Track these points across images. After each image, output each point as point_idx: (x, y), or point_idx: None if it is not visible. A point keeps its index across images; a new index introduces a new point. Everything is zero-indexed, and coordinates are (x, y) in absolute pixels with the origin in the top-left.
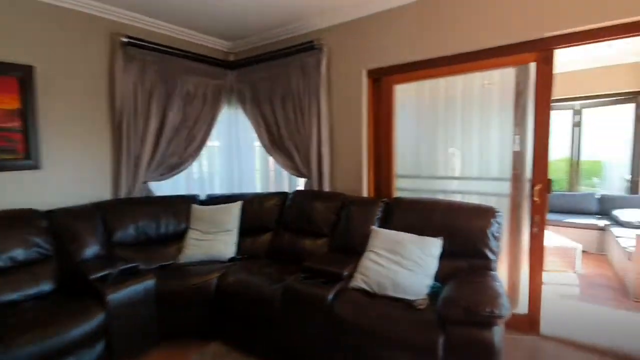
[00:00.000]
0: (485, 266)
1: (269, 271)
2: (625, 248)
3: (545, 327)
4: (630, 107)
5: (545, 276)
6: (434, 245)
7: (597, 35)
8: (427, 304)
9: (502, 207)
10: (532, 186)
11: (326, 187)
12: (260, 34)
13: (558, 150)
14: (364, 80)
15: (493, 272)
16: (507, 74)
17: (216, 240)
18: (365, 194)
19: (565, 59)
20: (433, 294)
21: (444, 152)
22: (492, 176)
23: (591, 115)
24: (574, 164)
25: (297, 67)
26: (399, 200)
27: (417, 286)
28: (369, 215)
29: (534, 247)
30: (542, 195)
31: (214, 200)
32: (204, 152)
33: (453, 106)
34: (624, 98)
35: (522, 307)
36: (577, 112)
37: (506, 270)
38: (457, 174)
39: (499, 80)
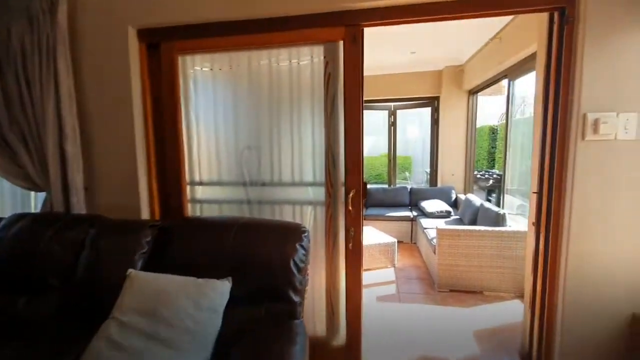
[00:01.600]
0: (287, 312)
1: None
2: (431, 240)
3: (365, 355)
4: (428, 110)
5: (367, 276)
6: (219, 293)
7: (404, 13)
8: None
9: (319, 217)
10: (347, 193)
11: (79, 206)
12: None
13: (383, 147)
14: (133, 44)
15: (297, 322)
16: (318, 54)
17: None
18: (145, 212)
19: (383, 64)
20: None
21: (251, 151)
22: (307, 181)
23: (403, 116)
24: (391, 160)
25: (21, 11)
26: (182, 222)
27: None
28: (128, 250)
29: (351, 266)
30: (356, 203)
31: None
32: None
33: (261, 93)
34: (425, 102)
35: (343, 334)
36: (392, 113)
37: (324, 294)
38: (267, 179)
39: (311, 63)
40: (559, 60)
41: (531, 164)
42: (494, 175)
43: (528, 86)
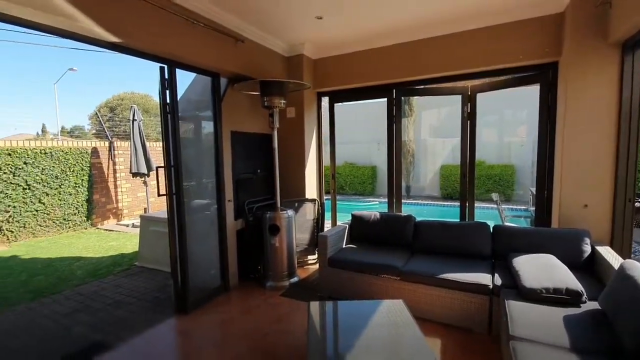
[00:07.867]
0: None
1: None
2: None
3: None
4: (537, 90)
5: None
6: None
7: None
8: None
9: None
10: None
11: None
12: None
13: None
14: None
15: None
16: None
17: None
18: None
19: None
20: None
21: None
22: None
23: (494, 100)
24: (466, 173)
25: None
26: None
27: None
28: None
29: None
30: None
31: None
32: None
33: None
34: (530, 75)
35: None
36: (469, 98)
37: None
38: None
39: None
40: None
41: None
42: None
43: None
